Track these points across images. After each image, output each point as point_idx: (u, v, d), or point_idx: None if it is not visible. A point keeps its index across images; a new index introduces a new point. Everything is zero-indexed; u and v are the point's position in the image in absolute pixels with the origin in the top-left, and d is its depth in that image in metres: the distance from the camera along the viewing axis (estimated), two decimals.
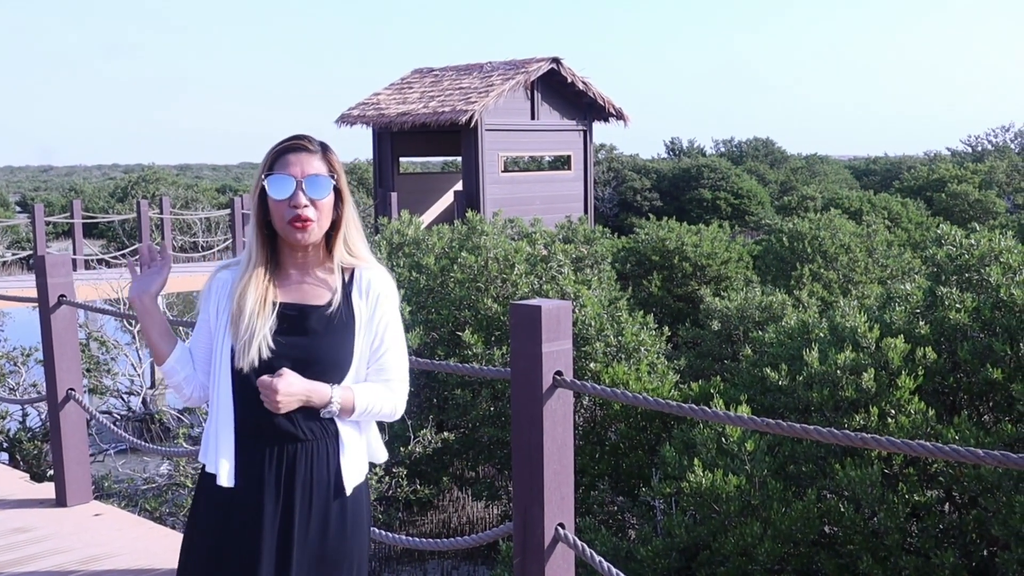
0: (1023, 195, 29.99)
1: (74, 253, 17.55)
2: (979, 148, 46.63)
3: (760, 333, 7.78)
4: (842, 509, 5.26)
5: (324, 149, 2.36)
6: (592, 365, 8.06)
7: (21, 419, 8.96)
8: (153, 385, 11.80)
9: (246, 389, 2.31)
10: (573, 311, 8.22)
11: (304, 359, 2.31)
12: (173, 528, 5.73)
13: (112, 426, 5.15)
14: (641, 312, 9.14)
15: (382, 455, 2.51)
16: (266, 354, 2.30)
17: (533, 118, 18.13)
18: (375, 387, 2.40)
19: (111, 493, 7.24)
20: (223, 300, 2.39)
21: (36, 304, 5.15)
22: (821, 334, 6.31)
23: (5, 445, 8.34)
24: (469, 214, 10.36)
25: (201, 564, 2.35)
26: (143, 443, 5.19)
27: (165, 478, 7.75)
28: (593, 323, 8.27)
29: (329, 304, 2.36)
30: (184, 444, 7.31)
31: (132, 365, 10.95)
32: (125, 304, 11.73)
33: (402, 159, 19.84)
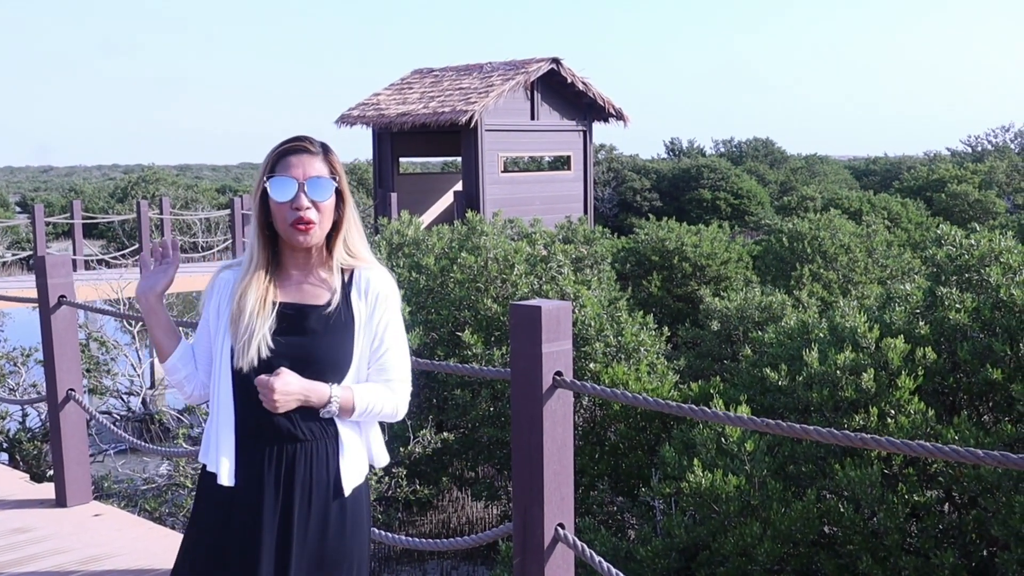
0: (1023, 195, 30.00)
1: (74, 253, 17.56)
2: (979, 148, 46.64)
3: (760, 333, 7.78)
4: (842, 509, 5.26)
5: (325, 150, 2.36)
6: (592, 365, 8.07)
7: (21, 419, 8.95)
8: (153, 385, 11.80)
9: (246, 389, 2.31)
10: (573, 311, 8.22)
11: (303, 358, 2.31)
12: (173, 528, 5.73)
13: (112, 426, 5.15)
14: (641, 312, 9.14)
15: (384, 458, 2.50)
16: (265, 353, 2.30)
17: (533, 118, 18.14)
18: (376, 387, 2.40)
19: (111, 493, 7.24)
20: (224, 300, 2.40)
21: (36, 304, 5.15)
22: (821, 334, 6.31)
23: (5, 445, 8.34)
24: (469, 214, 10.36)
25: (201, 563, 2.35)
26: (143, 443, 5.19)
27: (165, 478, 7.75)
28: (593, 323, 8.27)
29: (328, 304, 2.36)
30: (184, 444, 7.31)
31: (132, 365, 10.95)
32: (125, 304, 11.74)
33: (402, 159, 19.85)
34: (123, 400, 10.89)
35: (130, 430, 9.94)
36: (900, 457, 5.47)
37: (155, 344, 2.48)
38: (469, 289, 8.96)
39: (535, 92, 18.03)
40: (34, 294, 5.14)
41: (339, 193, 2.36)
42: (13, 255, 24.52)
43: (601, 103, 18.50)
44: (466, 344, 8.23)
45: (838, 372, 5.64)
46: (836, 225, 13.94)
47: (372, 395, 2.37)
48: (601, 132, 59.01)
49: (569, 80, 18.09)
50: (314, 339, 2.34)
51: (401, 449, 7.69)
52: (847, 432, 2.50)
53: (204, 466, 2.40)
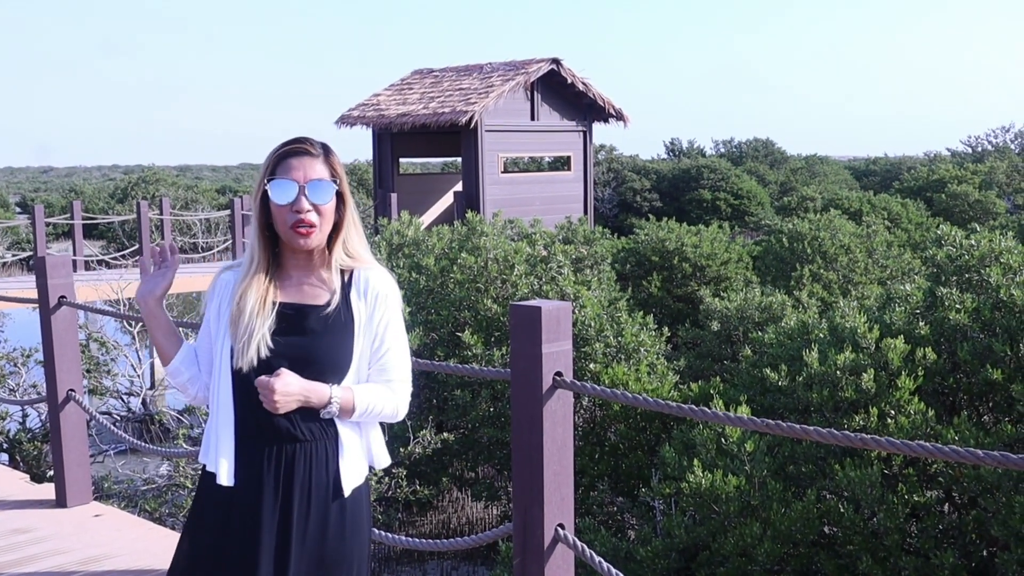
0: (1023, 196, 30.00)
1: (74, 254, 17.56)
2: (979, 149, 46.63)
3: (760, 334, 7.78)
4: (842, 510, 5.26)
5: (326, 152, 2.36)
6: (592, 366, 8.07)
7: (21, 420, 8.96)
8: (153, 386, 11.81)
9: (246, 389, 2.31)
10: (573, 312, 8.22)
11: (302, 358, 2.31)
12: (173, 529, 5.73)
13: (112, 427, 5.15)
14: (641, 313, 9.14)
15: (385, 459, 2.49)
16: (264, 353, 2.30)
17: (533, 119, 18.14)
18: (376, 388, 2.40)
19: (111, 494, 7.24)
20: (225, 301, 2.40)
21: (36, 305, 5.15)
22: (821, 335, 6.31)
23: (5, 446, 8.34)
24: (469, 215, 10.37)
25: (200, 562, 2.35)
26: (143, 444, 5.19)
27: (165, 479, 7.75)
28: (593, 324, 8.27)
29: (328, 304, 2.36)
30: (184, 445, 7.31)
31: (132, 366, 10.95)
32: (125, 305, 11.74)
33: (402, 160, 19.85)
34: (123, 401, 10.89)
35: (130, 431, 9.95)
36: (900, 457, 5.48)
37: (157, 347, 2.49)
38: (469, 289, 8.96)
39: (535, 92, 18.03)
40: (34, 294, 5.14)
41: (339, 195, 2.36)
42: (13, 256, 24.53)
43: (601, 103, 18.50)
44: (466, 344, 8.23)
45: (838, 372, 5.64)
46: (836, 225, 13.94)
47: (372, 396, 2.37)
48: (601, 132, 59.05)
49: (569, 80, 18.09)
50: (314, 339, 2.34)
51: (401, 449, 7.69)
52: (847, 432, 2.50)
53: (204, 466, 2.40)
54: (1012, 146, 46.43)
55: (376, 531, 3.46)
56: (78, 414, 5.12)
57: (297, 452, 2.32)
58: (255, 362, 2.30)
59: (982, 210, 25.77)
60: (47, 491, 5.29)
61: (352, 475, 2.38)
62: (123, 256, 20.68)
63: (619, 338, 8.29)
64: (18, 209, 42.84)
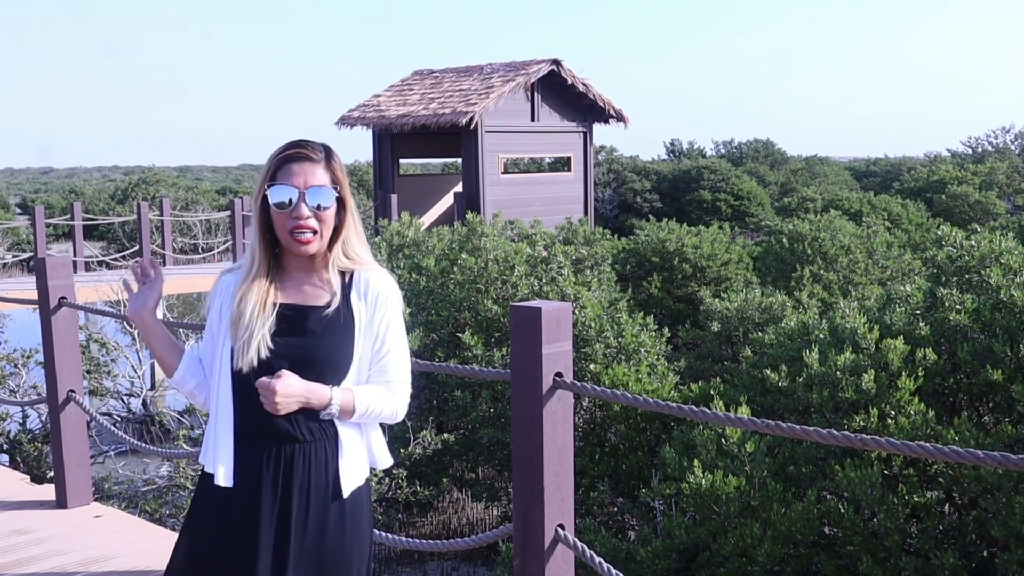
0: (1023, 196, 29.99)
1: (74, 255, 17.56)
2: (979, 149, 46.64)
3: (760, 334, 7.78)
4: (842, 510, 5.26)
5: (327, 157, 2.35)
6: (592, 366, 8.07)
7: (21, 421, 8.96)
8: (153, 387, 11.81)
9: (246, 390, 2.31)
10: (573, 312, 8.22)
11: (302, 359, 2.31)
12: (173, 530, 5.73)
13: (112, 428, 5.15)
14: (641, 313, 9.14)
15: (386, 460, 2.49)
16: (265, 354, 2.30)
17: (533, 120, 18.14)
18: (376, 389, 2.40)
19: (111, 495, 7.25)
20: (226, 303, 2.40)
21: (37, 306, 5.15)
22: (821, 335, 6.31)
23: (5, 447, 8.34)
24: (469, 216, 10.37)
25: (199, 563, 2.35)
26: (143, 445, 5.19)
27: (165, 480, 7.76)
28: (593, 324, 8.28)
29: (328, 305, 2.36)
30: (184, 446, 7.31)
31: (132, 367, 10.96)
32: (125, 306, 11.74)
33: (402, 161, 19.85)
34: (123, 401, 10.90)
35: (130, 431, 9.95)
36: (900, 458, 5.48)
37: (158, 360, 2.49)
38: (469, 290, 8.96)
39: (535, 93, 18.03)
40: (34, 295, 5.14)
41: (340, 200, 2.36)
42: (14, 256, 24.54)
43: (601, 104, 18.50)
44: (466, 345, 8.23)
45: (838, 373, 5.64)
46: (836, 226, 13.94)
47: (372, 397, 2.37)
48: (601, 133, 59.05)
49: (569, 81, 18.09)
50: (314, 340, 2.34)
51: (401, 450, 7.69)
52: (847, 433, 2.51)
53: (203, 467, 2.40)
54: (1012, 147, 46.44)
55: (376, 532, 3.46)
56: (78, 415, 5.12)
57: (296, 453, 2.32)
58: (255, 363, 2.30)
59: (982, 211, 25.77)
60: (47, 492, 5.29)
61: (352, 476, 2.38)
62: (123, 257, 20.68)
63: (619, 339, 8.29)
64: (18, 210, 42.86)
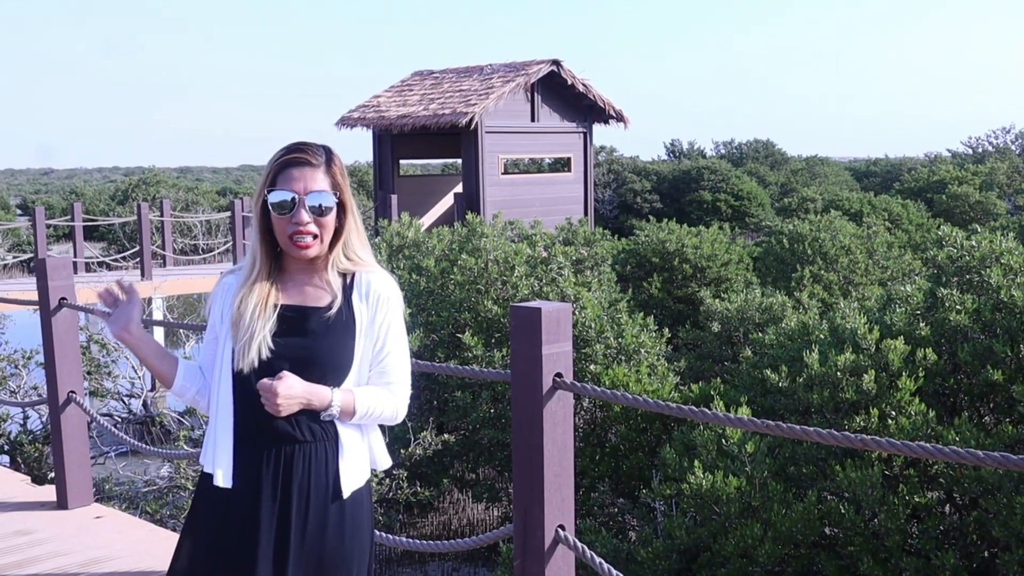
0: (1023, 196, 29.99)
1: (75, 256, 17.56)
2: (980, 150, 46.64)
3: (760, 335, 7.78)
4: (843, 510, 5.26)
5: (328, 160, 2.34)
6: (592, 367, 8.07)
7: (22, 422, 8.96)
8: (154, 388, 11.81)
9: (246, 390, 2.31)
10: (573, 313, 8.22)
11: (303, 360, 2.31)
12: (174, 530, 5.73)
13: (113, 428, 5.15)
14: (641, 314, 9.14)
15: (385, 461, 2.49)
16: (265, 355, 2.30)
17: (533, 120, 18.13)
18: (376, 390, 2.40)
19: (112, 496, 7.25)
20: (227, 305, 2.40)
21: (37, 307, 5.16)
22: (821, 336, 6.31)
23: (6, 448, 8.34)
24: (469, 216, 10.37)
25: (198, 563, 2.35)
26: (144, 446, 5.19)
27: (166, 480, 7.76)
28: (593, 325, 8.28)
29: (329, 306, 2.36)
30: (185, 447, 7.31)
31: (133, 368, 10.96)
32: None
33: (402, 161, 19.85)
34: (124, 402, 10.90)
35: (131, 432, 9.95)
36: (901, 458, 5.47)
37: (155, 373, 2.47)
38: (469, 291, 8.96)
39: (535, 94, 18.03)
40: (35, 296, 5.15)
41: (340, 203, 2.36)
42: (14, 257, 24.54)
43: (601, 105, 18.50)
44: (466, 346, 8.23)
45: (839, 373, 5.64)
46: (836, 227, 13.94)
47: (373, 398, 2.37)
48: (601, 134, 59.01)
49: (569, 82, 18.09)
50: (315, 341, 2.34)
51: (402, 451, 7.69)
52: (848, 433, 2.51)
53: (203, 467, 2.40)
54: (1013, 147, 46.43)
55: (377, 532, 3.46)
56: (79, 416, 5.12)
57: (296, 453, 2.32)
58: (256, 364, 2.30)
59: (983, 211, 25.77)
60: (48, 493, 5.29)
61: (352, 477, 2.38)
62: (124, 258, 20.69)
63: (619, 339, 8.29)
64: (19, 211, 42.90)
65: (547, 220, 15.28)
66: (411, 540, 3.73)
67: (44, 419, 8.75)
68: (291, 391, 2.24)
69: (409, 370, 2.48)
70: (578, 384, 2.97)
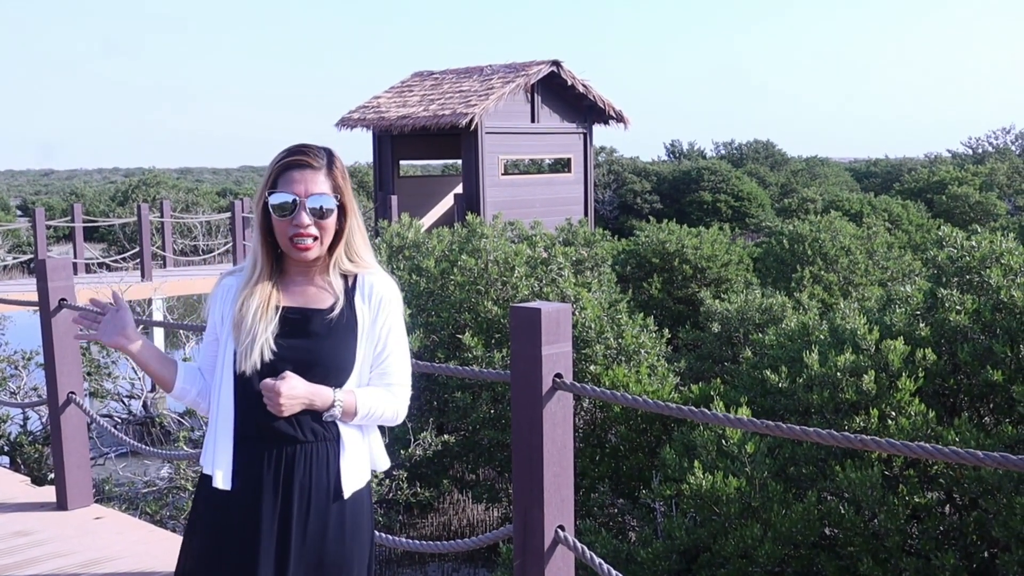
0: (1023, 197, 29.99)
1: (75, 257, 17.56)
2: (980, 150, 46.65)
3: (760, 335, 7.78)
4: (842, 511, 5.26)
5: (329, 163, 2.34)
6: (592, 367, 8.07)
7: (22, 423, 8.96)
8: (153, 389, 11.81)
9: (247, 392, 2.31)
10: (573, 314, 8.22)
11: (306, 362, 2.32)
12: (174, 531, 5.73)
13: (113, 429, 5.15)
14: (641, 314, 9.14)
15: (384, 463, 2.50)
16: (268, 356, 2.30)
17: (533, 121, 18.13)
18: (377, 391, 2.40)
19: (112, 496, 7.25)
20: (228, 306, 2.40)
21: (37, 308, 5.16)
22: (821, 336, 6.31)
23: (6, 448, 8.34)
24: (469, 217, 10.37)
25: (199, 564, 2.35)
26: (144, 446, 5.19)
27: (166, 481, 7.76)
28: (593, 325, 8.28)
29: (332, 308, 2.36)
30: (184, 447, 7.32)
31: (132, 368, 10.96)
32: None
33: (402, 162, 19.85)
34: (124, 403, 10.91)
35: (131, 433, 9.96)
36: (901, 459, 5.47)
37: (154, 378, 2.47)
38: (469, 291, 8.96)
39: (535, 94, 18.03)
40: (35, 297, 5.15)
41: (341, 205, 2.36)
42: (14, 258, 24.54)
43: (601, 105, 18.50)
44: (466, 346, 8.23)
45: (838, 374, 5.64)
46: (837, 227, 13.94)
47: (374, 399, 2.38)
48: (601, 134, 59.01)
49: (569, 82, 18.08)
50: (317, 342, 2.34)
51: (402, 452, 7.69)
52: (847, 434, 2.51)
53: (203, 468, 2.40)
54: (1013, 147, 46.44)
55: (377, 533, 3.45)
56: (79, 417, 5.13)
57: (297, 453, 2.32)
58: (258, 365, 2.30)
59: (983, 211, 25.77)
60: (48, 494, 5.29)
61: (353, 477, 2.38)
62: (124, 259, 20.69)
63: (619, 340, 8.29)
64: (19, 212, 42.90)
65: (547, 221, 15.28)
66: (411, 541, 3.73)
67: (44, 420, 8.76)
68: (294, 391, 2.24)
69: (409, 371, 2.48)
70: (578, 385, 2.97)
